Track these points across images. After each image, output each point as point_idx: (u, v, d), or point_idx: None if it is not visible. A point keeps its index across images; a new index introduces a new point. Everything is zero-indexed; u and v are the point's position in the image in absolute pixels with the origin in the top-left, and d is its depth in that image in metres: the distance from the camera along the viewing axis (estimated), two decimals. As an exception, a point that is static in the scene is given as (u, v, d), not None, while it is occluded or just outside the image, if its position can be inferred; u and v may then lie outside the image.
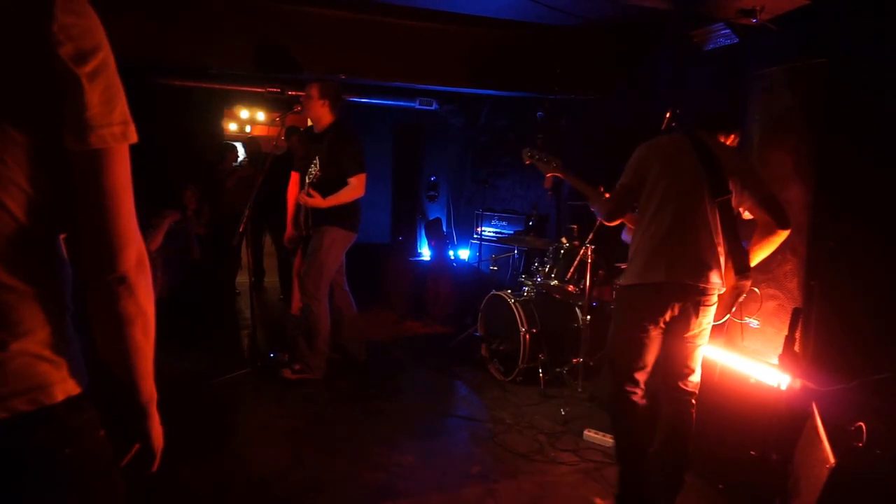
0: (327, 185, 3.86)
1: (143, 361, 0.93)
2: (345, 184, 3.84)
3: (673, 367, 2.50)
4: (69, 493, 0.83)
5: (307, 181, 3.94)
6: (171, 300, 4.87)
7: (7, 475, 0.77)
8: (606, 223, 2.73)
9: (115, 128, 0.81)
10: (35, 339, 0.81)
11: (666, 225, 2.39)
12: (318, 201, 3.84)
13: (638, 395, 2.51)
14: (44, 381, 0.81)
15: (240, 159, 6.96)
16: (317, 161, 3.91)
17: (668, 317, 2.41)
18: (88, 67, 0.78)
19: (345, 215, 3.92)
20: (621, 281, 2.58)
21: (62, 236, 0.87)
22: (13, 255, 0.79)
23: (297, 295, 4.92)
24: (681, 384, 2.50)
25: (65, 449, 0.82)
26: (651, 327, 2.42)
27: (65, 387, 0.83)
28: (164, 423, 1.05)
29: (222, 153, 6.57)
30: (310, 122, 4.12)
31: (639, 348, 2.45)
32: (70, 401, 0.84)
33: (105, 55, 0.81)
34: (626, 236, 4.58)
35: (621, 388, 2.51)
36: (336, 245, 3.94)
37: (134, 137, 0.84)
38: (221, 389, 3.87)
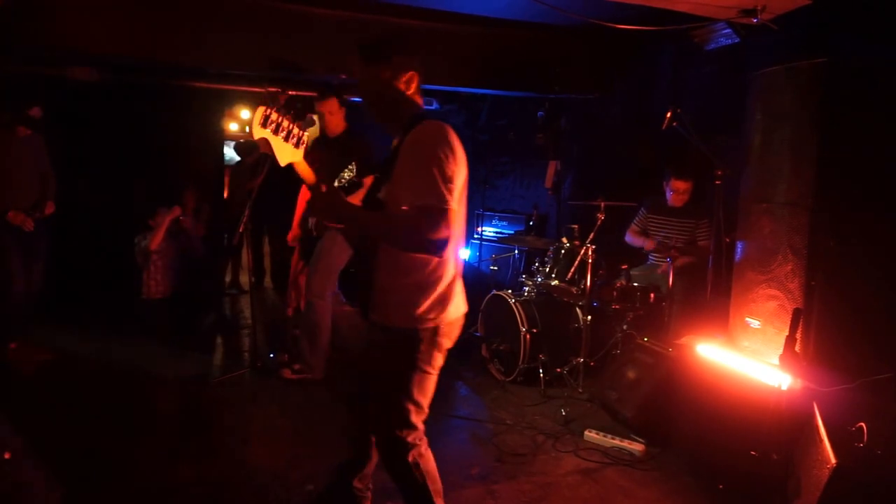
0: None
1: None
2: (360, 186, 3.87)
3: None
4: None
5: (335, 185, 3.95)
6: (172, 300, 4.86)
7: None
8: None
9: None
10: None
11: None
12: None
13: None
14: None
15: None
16: (353, 166, 3.93)
17: None
18: None
19: None
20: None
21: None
22: None
23: (292, 295, 4.92)
24: None
25: None
26: None
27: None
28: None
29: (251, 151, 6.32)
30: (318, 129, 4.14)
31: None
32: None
33: None
34: (629, 238, 4.59)
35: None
36: (348, 247, 3.97)
37: None
38: (221, 389, 3.86)
